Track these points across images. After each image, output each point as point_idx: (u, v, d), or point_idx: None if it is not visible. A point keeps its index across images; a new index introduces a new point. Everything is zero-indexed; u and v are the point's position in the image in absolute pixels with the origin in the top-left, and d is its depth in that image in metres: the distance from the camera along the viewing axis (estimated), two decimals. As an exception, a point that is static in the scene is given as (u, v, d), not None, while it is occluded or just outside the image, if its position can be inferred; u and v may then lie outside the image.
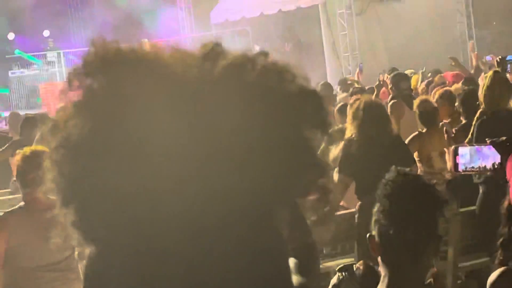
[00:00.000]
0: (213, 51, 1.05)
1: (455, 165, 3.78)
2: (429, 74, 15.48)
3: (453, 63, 13.40)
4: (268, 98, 1.01)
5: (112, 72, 1.02)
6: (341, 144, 7.98)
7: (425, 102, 8.52)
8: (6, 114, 14.96)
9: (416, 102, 8.67)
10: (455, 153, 3.78)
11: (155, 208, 0.97)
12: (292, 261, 2.68)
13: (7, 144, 10.02)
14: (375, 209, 2.86)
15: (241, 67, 1.02)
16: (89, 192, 1.00)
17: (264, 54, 1.06)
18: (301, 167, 1.03)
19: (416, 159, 7.87)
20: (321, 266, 7.18)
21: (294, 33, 24.16)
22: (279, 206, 1.04)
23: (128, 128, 0.98)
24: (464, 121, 7.99)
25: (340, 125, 8.86)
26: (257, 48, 23.44)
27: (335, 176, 8.36)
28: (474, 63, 14.34)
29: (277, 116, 1.01)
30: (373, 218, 2.86)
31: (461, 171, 3.78)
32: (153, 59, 1.03)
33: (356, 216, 6.77)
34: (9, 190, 9.63)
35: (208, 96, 0.99)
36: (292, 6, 22.57)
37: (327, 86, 12.39)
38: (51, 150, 1.04)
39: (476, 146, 3.82)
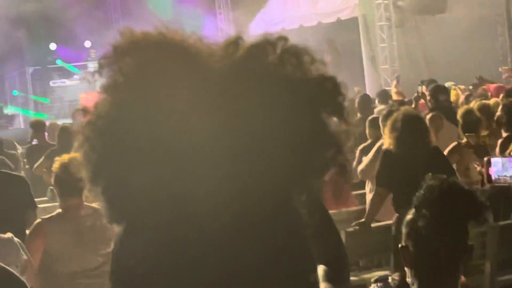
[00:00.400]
0: (236, 38, 1.09)
1: (488, 176, 3.75)
2: (471, 87, 15.37)
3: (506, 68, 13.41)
4: (287, 80, 1.04)
5: (140, 53, 1.06)
6: (370, 155, 7.98)
7: (469, 112, 8.48)
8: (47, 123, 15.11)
9: (460, 112, 8.63)
10: (488, 164, 3.75)
11: (179, 186, 0.99)
12: (321, 269, 2.67)
13: (44, 155, 10.13)
14: (410, 217, 2.82)
15: (262, 49, 1.06)
16: (117, 166, 1.03)
17: (284, 38, 1.09)
18: (317, 146, 1.06)
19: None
20: (357, 278, 7.15)
21: (333, 45, 24.13)
22: (298, 186, 1.06)
23: (155, 104, 1.01)
24: (505, 134, 7.93)
25: (370, 140, 8.83)
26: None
27: (367, 188, 8.33)
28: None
29: (295, 99, 1.04)
30: (407, 228, 2.83)
31: (494, 181, 3.74)
32: (180, 42, 1.07)
33: (393, 228, 6.73)
34: (46, 198, 9.74)
35: (231, 76, 1.03)
36: (331, 18, 22.57)
37: (366, 98, 12.33)
38: (82, 127, 1.08)
39: (509, 157, 3.78)
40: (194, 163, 0.99)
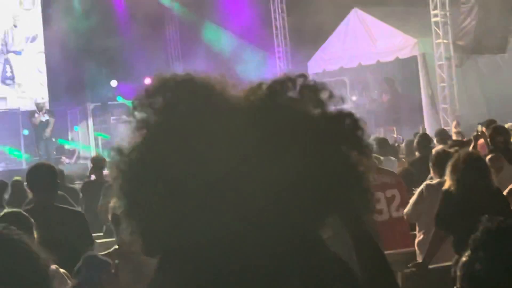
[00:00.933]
0: (260, 82, 1.14)
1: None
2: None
3: None
4: (307, 115, 1.08)
5: (168, 92, 1.11)
6: (414, 197, 7.84)
7: None
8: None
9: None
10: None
11: (209, 223, 1.02)
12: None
13: (101, 195, 10.17)
14: (466, 259, 2.76)
15: (283, 84, 1.10)
16: (150, 198, 1.06)
17: (304, 75, 1.14)
18: (339, 179, 1.09)
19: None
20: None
21: (392, 84, 24.05)
22: (324, 217, 1.09)
23: (183, 138, 1.05)
24: None
25: (438, 180, 8.71)
26: (354, 99, 23.51)
27: (409, 218, 8.12)
28: None
29: (316, 134, 1.07)
30: (461, 271, 2.76)
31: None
32: (205, 81, 1.12)
33: (452, 270, 6.62)
34: (101, 233, 9.81)
35: (254, 110, 1.06)
36: (390, 57, 22.50)
37: (425, 138, 12.22)
38: (117, 162, 1.11)
39: None
40: (223, 195, 1.01)
